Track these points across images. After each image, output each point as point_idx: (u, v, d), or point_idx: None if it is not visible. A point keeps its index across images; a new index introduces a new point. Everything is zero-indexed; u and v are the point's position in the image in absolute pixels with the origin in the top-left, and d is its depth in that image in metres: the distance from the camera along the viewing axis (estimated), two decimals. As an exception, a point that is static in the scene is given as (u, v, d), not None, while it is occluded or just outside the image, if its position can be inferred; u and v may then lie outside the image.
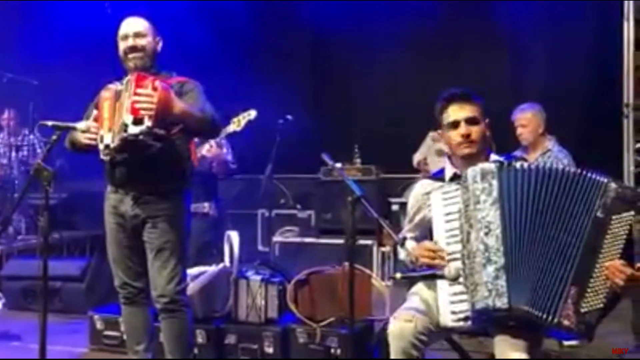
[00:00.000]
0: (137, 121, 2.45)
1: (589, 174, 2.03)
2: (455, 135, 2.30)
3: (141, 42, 2.75)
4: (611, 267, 1.96)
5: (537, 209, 2.02)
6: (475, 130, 2.28)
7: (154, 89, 2.46)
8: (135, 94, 2.47)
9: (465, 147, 2.29)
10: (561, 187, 2.03)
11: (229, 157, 4.67)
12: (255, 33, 6.69)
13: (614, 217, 1.99)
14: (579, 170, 2.05)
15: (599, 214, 2.00)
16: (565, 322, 1.95)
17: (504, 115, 4.06)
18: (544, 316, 1.96)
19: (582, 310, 1.96)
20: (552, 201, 2.02)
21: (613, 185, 2.01)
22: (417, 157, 5.53)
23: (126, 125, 2.47)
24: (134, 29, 2.77)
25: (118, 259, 2.85)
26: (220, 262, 3.77)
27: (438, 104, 2.36)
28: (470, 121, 2.28)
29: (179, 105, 2.54)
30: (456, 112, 2.30)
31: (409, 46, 6.37)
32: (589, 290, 1.97)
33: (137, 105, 2.45)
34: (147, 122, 2.44)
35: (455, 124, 2.30)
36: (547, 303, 1.97)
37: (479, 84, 5.72)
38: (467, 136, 2.28)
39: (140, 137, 2.47)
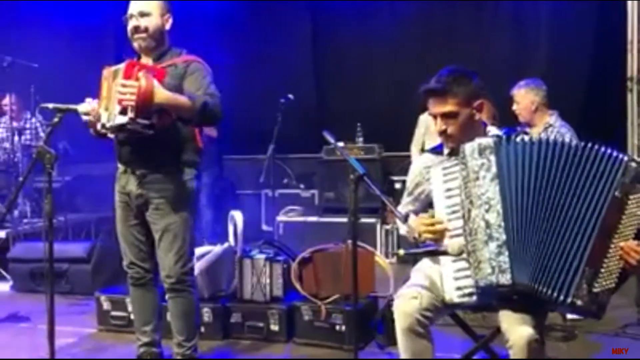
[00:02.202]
0: (123, 111, 2.48)
1: (603, 150, 1.98)
2: (436, 128, 2.29)
3: (144, 22, 2.72)
4: (626, 247, 1.92)
5: (541, 183, 1.99)
6: (452, 124, 2.22)
7: (137, 79, 2.46)
8: (121, 84, 2.49)
9: (443, 141, 2.29)
10: (569, 162, 1.98)
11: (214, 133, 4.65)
12: (255, 11, 6.63)
13: (631, 196, 1.95)
14: (590, 145, 1.99)
15: (617, 193, 1.94)
16: (578, 302, 1.93)
17: (506, 91, 4.04)
18: (556, 295, 1.94)
19: (595, 290, 1.94)
20: (561, 176, 1.98)
21: (633, 164, 1.95)
22: (414, 150, 5.43)
23: (115, 115, 2.52)
24: (138, 9, 2.74)
25: (125, 238, 2.88)
26: (225, 242, 3.79)
27: (419, 94, 2.31)
28: (447, 116, 2.22)
29: (162, 95, 2.50)
30: (433, 106, 2.25)
31: (411, 23, 6.31)
32: (602, 270, 1.94)
33: (119, 97, 2.47)
34: (130, 114, 2.46)
35: (434, 117, 2.28)
36: (561, 282, 1.94)
37: (481, 60, 5.73)
38: (443, 132, 2.25)
39: (128, 126, 2.50)
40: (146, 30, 2.72)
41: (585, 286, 1.93)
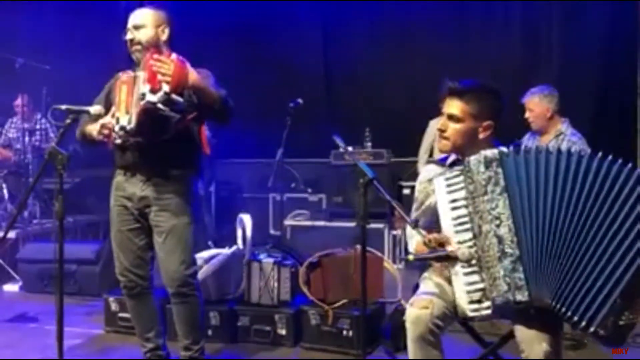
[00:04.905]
0: (155, 90, 2.47)
1: None
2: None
3: (138, 34, 2.74)
4: None
5: (562, 196, 1.93)
6: (452, 128, 2.23)
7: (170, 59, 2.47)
8: (153, 59, 2.46)
9: (439, 142, 2.29)
10: (599, 181, 1.90)
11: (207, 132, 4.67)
12: (267, 17, 6.65)
13: None
14: (630, 167, 1.91)
15: None
16: (601, 332, 1.88)
17: (517, 97, 4.02)
18: (578, 319, 1.89)
19: (621, 323, 1.88)
20: (588, 195, 1.91)
21: None
22: (422, 156, 5.41)
23: (144, 95, 2.50)
24: (133, 22, 2.77)
25: (120, 244, 2.84)
26: (233, 245, 3.80)
27: (441, 90, 2.33)
28: (451, 118, 2.23)
29: (195, 75, 2.52)
30: (446, 105, 2.27)
31: (421, 28, 6.31)
32: (633, 304, 1.88)
33: (155, 69, 2.44)
34: (165, 88, 2.45)
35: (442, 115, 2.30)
36: (585, 307, 1.88)
37: (492, 65, 5.71)
38: (442, 131, 2.25)
39: (159, 105, 2.47)
40: (139, 42, 2.74)
41: (612, 318, 1.87)
